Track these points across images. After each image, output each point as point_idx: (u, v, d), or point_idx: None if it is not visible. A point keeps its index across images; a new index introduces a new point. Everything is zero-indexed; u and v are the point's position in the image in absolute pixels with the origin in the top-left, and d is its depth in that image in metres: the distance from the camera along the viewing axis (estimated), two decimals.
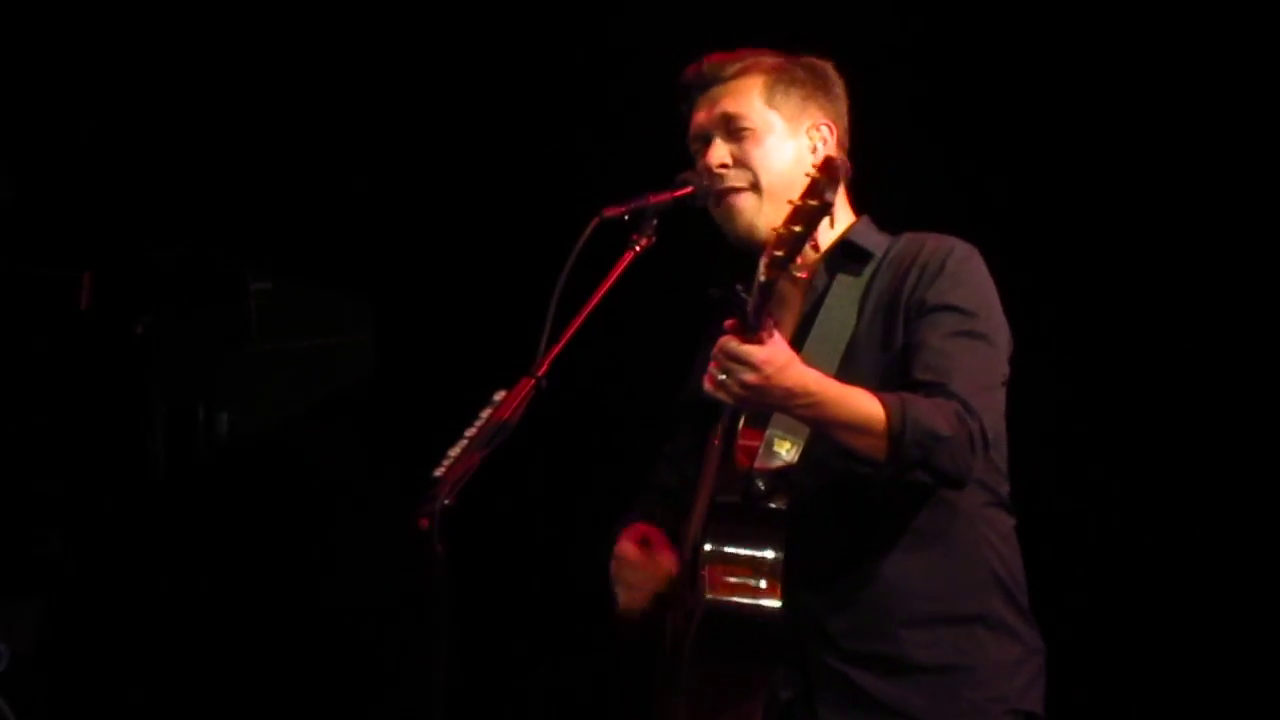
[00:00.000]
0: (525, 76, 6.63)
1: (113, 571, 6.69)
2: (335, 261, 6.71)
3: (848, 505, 4.15)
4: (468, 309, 6.64)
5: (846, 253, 4.36)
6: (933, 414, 4.00)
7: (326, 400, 6.62)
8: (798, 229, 3.80)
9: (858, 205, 4.46)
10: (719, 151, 4.34)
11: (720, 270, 4.44)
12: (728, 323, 3.98)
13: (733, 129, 4.34)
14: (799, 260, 3.85)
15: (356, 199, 6.76)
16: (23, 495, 6.51)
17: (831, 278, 4.32)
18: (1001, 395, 4.19)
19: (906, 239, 4.35)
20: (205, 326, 6.53)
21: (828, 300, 4.28)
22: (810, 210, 3.78)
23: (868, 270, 4.29)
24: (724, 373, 3.92)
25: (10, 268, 6.51)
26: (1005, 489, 4.30)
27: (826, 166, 3.79)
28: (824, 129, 4.39)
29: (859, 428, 3.98)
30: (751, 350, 3.90)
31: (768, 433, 4.10)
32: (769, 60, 4.40)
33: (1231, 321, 5.87)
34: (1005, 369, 4.22)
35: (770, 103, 4.36)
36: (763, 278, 3.86)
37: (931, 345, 4.13)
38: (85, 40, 6.75)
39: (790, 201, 3.84)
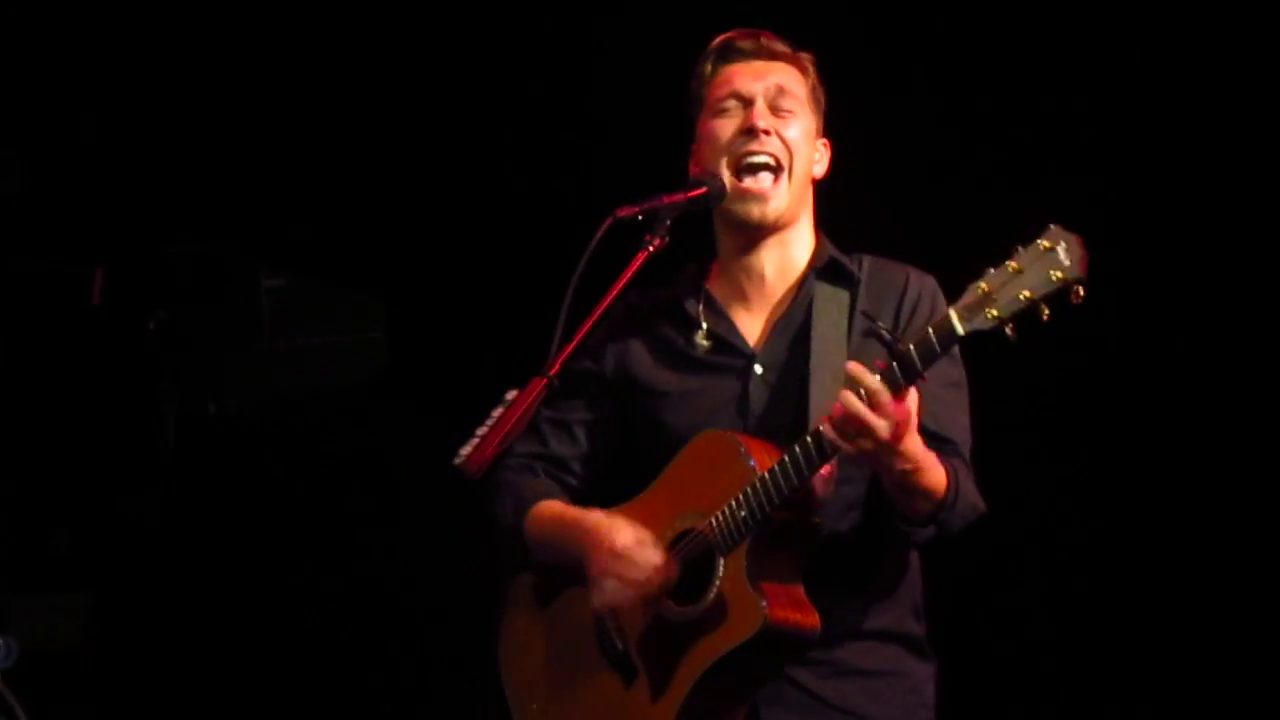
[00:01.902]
0: (538, 76, 6.64)
1: (124, 568, 6.70)
2: (348, 259, 6.71)
3: (841, 531, 4.24)
4: (480, 308, 6.64)
5: (834, 269, 4.39)
6: (970, 485, 4.18)
7: (338, 397, 6.63)
8: (1027, 295, 3.70)
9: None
10: (766, 115, 4.32)
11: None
12: (879, 364, 3.91)
13: (779, 106, 4.34)
14: (1010, 327, 3.75)
15: (369, 196, 6.76)
16: (34, 491, 6.52)
17: (812, 289, 4.36)
18: None
19: (874, 263, 4.40)
20: (217, 323, 6.53)
21: (817, 315, 4.30)
22: (1051, 282, 3.67)
23: (847, 290, 4.34)
24: (864, 434, 3.88)
25: (22, 262, 6.52)
26: None
27: (1062, 235, 3.69)
28: (824, 147, 4.44)
29: (928, 495, 4.09)
30: (895, 410, 3.87)
31: None
32: (809, 63, 4.43)
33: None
34: None
35: (812, 99, 4.40)
36: (961, 330, 3.80)
37: (934, 392, 4.18)
38: (97, 35, 6.76)
39: (1009, 264, 3.73)
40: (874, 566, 4.28)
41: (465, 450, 3.97)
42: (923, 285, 4.34)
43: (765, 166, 4.31)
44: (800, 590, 4.12)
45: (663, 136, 4.72)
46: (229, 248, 6.59)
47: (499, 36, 6.67)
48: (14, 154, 6.65)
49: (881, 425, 3.87)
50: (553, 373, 4.06)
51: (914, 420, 3.93)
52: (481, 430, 4.00)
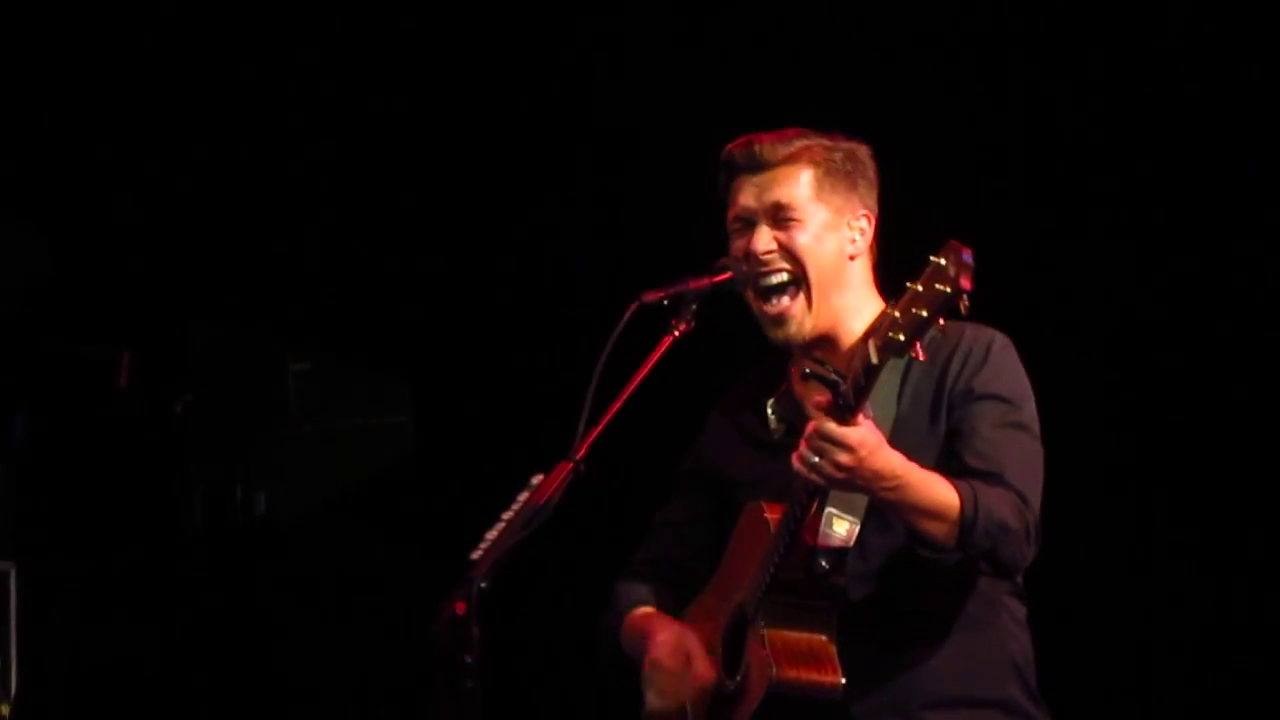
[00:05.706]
0: (566, 160, 6.65)
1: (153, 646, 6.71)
2: (374, 342, 6.72)
3: (891, 587, 4.21)
4: (507, 392, 6.64)
5: None
6: (1001, 505, 4.09)
7: (365, 481, 6.63)
8: (922, 314, 3.76)
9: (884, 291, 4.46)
10: (764, 238, 4.33)
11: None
12: (817, 400, 4.02)
13: (780, 218, 4.33)
14: (917, 344, 3.81)
15: (397, 281, 6.77)
16: (59, 575, 6.52)
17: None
18: (1041, 486, 4.24)
19: (948, 328, 4.33)
20: (243, 406, 6.54)
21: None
22: (940, 296, 3.73)
23: (904, 359, 4.29)
24: (817, 454, 3.95)
25: (49, 345, 6.53)
26: (1021, 577, 4.35)
27: (953, 251, 3.74)
28: (864, 220, 4.40)
29: (935, 513, 4.05)
30: (848, 433, 3.93)
31: (825, 511, 4.14)
32: (818, 149, 4.38)
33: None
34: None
35: (819, 195, 4.35)
36: (875, 360, 3.86)
37: (982, 434, 4.19)
38: (128, 119, 6.79)
39: (910, 285, 3.79)
40: (955, 626, 4.23)
41: (479, 550, 3.95)
42: (975, 340, 4.31)
43: (779, 287, 4.32)
44: (826, 648, 4.11)
45: (692, 219, 4.72)
46: (255, 331, 6.60)
47: (528, 121, 6.70)
48: (40, 237, 6.68)
49: (830, 449, 3.92)
50: (578, 456, 4.04)
51: (874, 442, 3.96)
52: (505, 516, 3.98)
